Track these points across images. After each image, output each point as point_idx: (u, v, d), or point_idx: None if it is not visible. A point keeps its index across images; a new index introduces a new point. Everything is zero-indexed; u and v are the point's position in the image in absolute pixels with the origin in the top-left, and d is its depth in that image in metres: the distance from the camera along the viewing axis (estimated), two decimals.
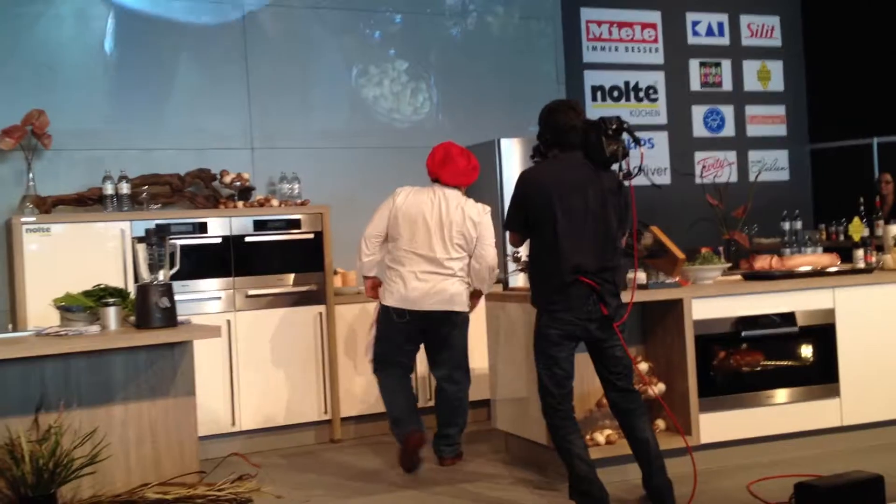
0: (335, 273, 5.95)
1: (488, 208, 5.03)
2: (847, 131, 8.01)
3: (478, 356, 5.43)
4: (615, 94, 7.91)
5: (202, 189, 5.90)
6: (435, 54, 6.86)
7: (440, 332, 4.93)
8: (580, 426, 4.02)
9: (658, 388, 4.61)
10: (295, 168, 6.09)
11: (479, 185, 6.55)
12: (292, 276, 5.71)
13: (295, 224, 5.76)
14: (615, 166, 3.87)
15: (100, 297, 4.14)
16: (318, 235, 5.79)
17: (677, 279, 4.68)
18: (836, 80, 8.43)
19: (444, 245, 4.84)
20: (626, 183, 3.83)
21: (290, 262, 5.72)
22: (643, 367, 4.64)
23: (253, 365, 5.54)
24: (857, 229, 6.02)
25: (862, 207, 6.08)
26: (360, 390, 5.82)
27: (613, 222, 3.87)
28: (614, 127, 3.78)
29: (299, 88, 6.44)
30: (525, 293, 4.94)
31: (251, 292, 5.59)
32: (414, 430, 4.84)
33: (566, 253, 3.77)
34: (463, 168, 4.96)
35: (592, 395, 4.63)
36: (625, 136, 3.83)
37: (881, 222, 6.42)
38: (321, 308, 5.73)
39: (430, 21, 6.85)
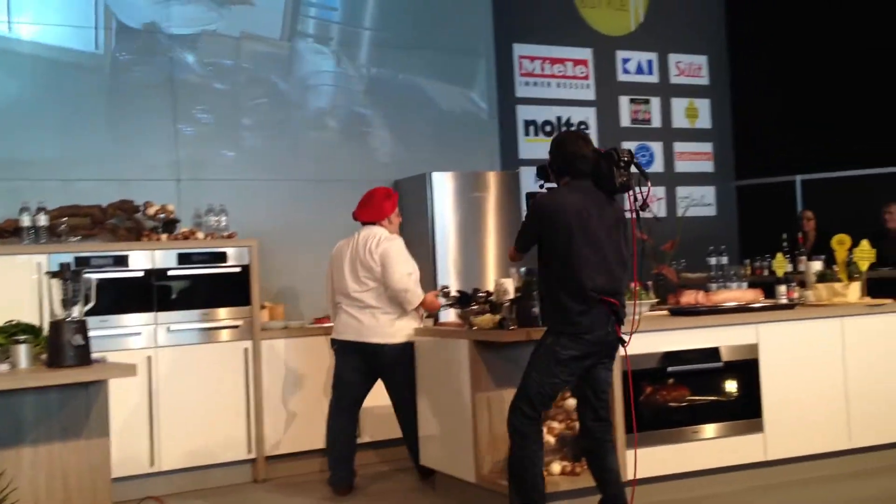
0: (262, 307, 5.84)
1: (393, 237, 5.21)
2: (771, 169, 8.21)
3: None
4: (547, 128, 7.98)
5: (125, 221, 5.75)
6: (367, 88, 6.83)
7: (377, 367, 5.16)
8: None
9: None
10: (222, 200, 5.98)
11: (410, 218, 6.56)
12: (218, 310, 5.58)
13: (221, 257, 5.64)
14: (624, 195, 4.05)
15: (11, 333, 3.97)
16: (246, 269, 5.67)
17: None
18: (760, 118, 8.66)
19: (354, 279, 5.15)
20: (641, 213, 4.01)
21: (215, 296, 5.59)
22: (571, 403, 4.62)
23: (175, 402, 5.38)
24: (781, 265, 6.15)
25: (785, 244, 6.20)
26: (287, 428, 5.69)
27: (624, 248, 4.03)
28: (626, 159, 3.95)
29: (227, 119, 6.34)
30: (455, 328, 4.92)
31: (174, 327, 5.44)
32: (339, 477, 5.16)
33: (589, 275, 3.89)
34: (371, 202, 5.29)
35: None
36: (633, 168, 3.99)
37: (804, 258, 6.57)
38: (247, 343, 5.60)
39: (363, 53, 6.82)
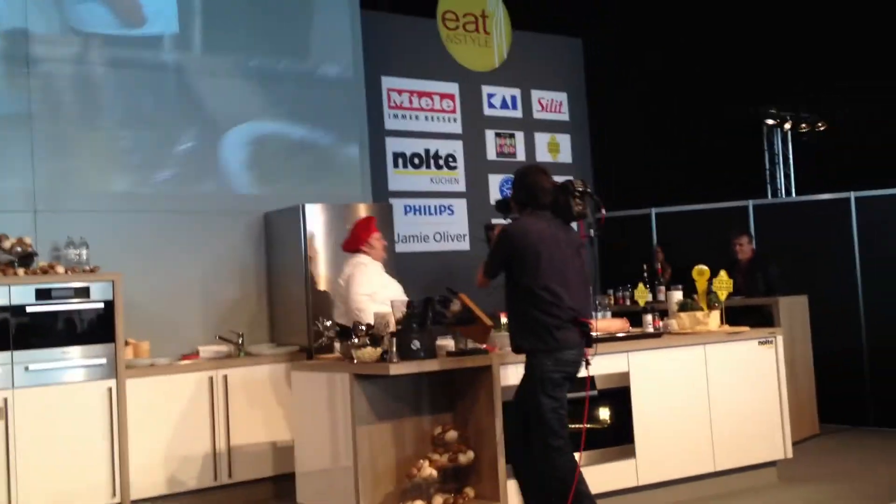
0: (127, 344, 5.59)
1: (356, 261, 5.56)
2: (629, 202, 8.57)
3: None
4: (416, 161, 8.05)
5: None
6: (237, 118, 6.70)
7: None
8: (394, 497, 3.98)
9: (467, 456, 4.63)
10: (83, 233, 5.70)
11: (283, 250, 6.47)
12: (80, 348, 5.30)
13: (83, 292, 5.37)
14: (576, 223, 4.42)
15: None
16: (109, 304, 5.42)
17: (486, 346, 4.76)
18: (618, 153, 9.05)
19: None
20: (592, 234, 4.50)
21: (77, 333, 5.32)
22: (452, 435, 4.66)
23: (35, 446, 5.06)
24: (642, 295, 6.43)
25: (645, 274, 6.49)
26: (155, 470, 5.46)
27: (586, 272, 4.33)
28: (580, 190, 4.29)
29: (88, 149, 6.07)
30: (332, 362, 4.86)
31: (33, 367, 5.13)
32: None
33: (561, 299, 4.17)
34: (350, 232, 5.77)
35: (403, 466, 4.58)
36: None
37: (663, 288, 6.89)
38: (111, 382, 5.35)
39: (231, 84, 6.69)
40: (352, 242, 5.71)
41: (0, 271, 5.25)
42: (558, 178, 8.54)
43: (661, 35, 9.30)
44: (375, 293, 5.39)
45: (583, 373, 4.29)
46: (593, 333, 4.32)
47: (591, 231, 4.51)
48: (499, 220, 4.85)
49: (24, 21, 5.89)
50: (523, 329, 4.27)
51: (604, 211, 4.30)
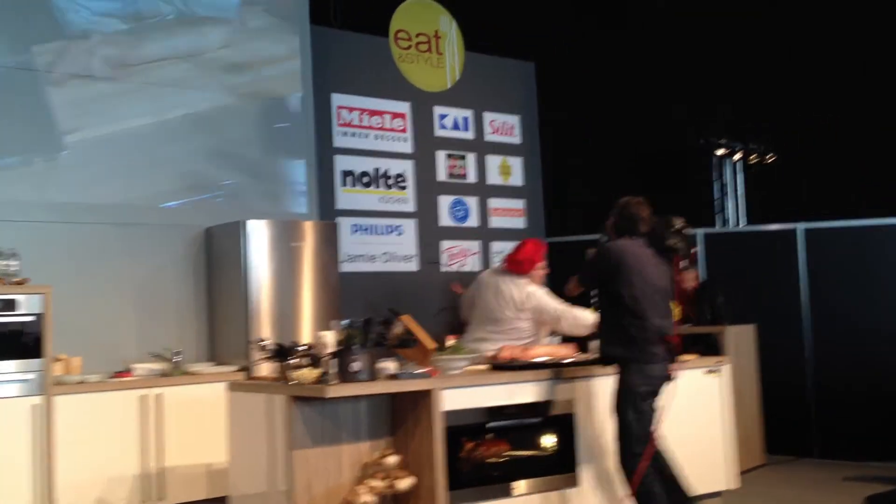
0: (57, 360, 5.37)
1: (524, 282, 5.79)
2: (580, 226, 8.54)
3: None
4: (365, 179, 7.93)
5: None
6: (179, 129, 6.53)
7: None
8: None
9: (406, 482, 4.49)
10: (12, 243, 5.47)
11: (223, 267, 6.31)
12: (5, 363, 5.08)
13: (10, 305, 5.15)
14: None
15: None
16: (38, 318, 5.21)
17: (427, 369, 4.64)
18: (569, 178, 9.03)
19: None
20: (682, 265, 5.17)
21: (3, 347, 5.09)
22: (392, 460, 4.52)
23: None
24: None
25: (594, 300, 6.41)
26: (84, 490, 5.23)
27: (670, 297, 4.82)
28: (677, 227, 4.84)
29: (20, 155, 5.85)
30: (269, 383, 4.71)
31: None
32: None
33: (651, 318, 4.63)
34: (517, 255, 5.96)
35: (340, 491, 4.44)
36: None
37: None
38: (38, 399, 5.12)
39: (174, 95, 6.53)
40: (523, 265, 5.80)
41: None
42: (515, 202, 8.62)
43: (614, 61, 9.34)
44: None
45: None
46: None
47: (683, 264, 5.13)
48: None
49: None
50: (614, 339, 4.71)
51: (694, 249, 4.91)
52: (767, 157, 9.39)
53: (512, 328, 5.63)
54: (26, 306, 5.18)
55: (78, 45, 6.17)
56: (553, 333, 5.93)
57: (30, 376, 5.14)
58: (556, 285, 8.27)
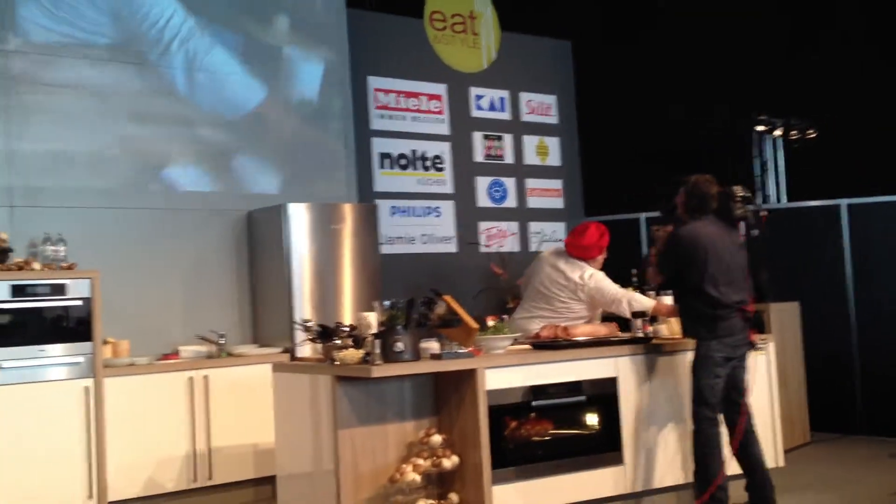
0: (105, 343, 5.47)
1: (584, 265, 5.68)
2: (618, 206, 8.49)
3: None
4: (402, 161, 7.95)
5: None
6: (220, 116, 6.58)
7: None
8: (376, 502, 3.88)
9: (451, 460, 4.52)
10: (60, 229, 5.58)
11: (266, 250, 6.37)
12: (56, 346, 5.18)
13: (60, 289, 5.25)
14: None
15: None
16: (87, 302, 5.31)
17: (471, 349, 4.66)
18: (607, 157, 8.96)
19: None
20: (754, 233, 5.20)
21: (53, 331, 5.21)
22: (436, 439, 4.55)
23: (7, 446, 4.94)
24: None
25: (635, 279, 6.38)
26: (134, 471, 5.34)
27: (745, 267, 4.96)
28: (741, 195, 5.00)
29: (67, 142, 5.94)
30: (313, 364, 4.75)
31: (7, 365, 5.01)
32: None
33: (728, 294, 4.82)
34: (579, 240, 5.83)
35: (385, 470, 4.48)
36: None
37: (653, 293, 6.79)
38: (88, 381, 5.23)
39: (216, 81, 6.58)
40: (581, 251, 5.69)
41: None
42: (553, 182, 8.55)
43: (651, 38, 9.23)
44: None
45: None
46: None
47: (753, 231, 5.14)
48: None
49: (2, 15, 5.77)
50: (693, 320, 4.90)
51: (764, 212, 5.20)
52: (808, 132, 9.24)
53: (564, 308, 5.62)
54: (75, 291, 5.28)
55: (140, 30, 6.24)
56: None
57: (79, 359, 5.24)
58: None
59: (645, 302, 5.47)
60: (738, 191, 5.01)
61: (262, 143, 6.75)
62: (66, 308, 5.27)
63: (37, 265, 5.29)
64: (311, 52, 7.09)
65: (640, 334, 5.31)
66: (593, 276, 5.60)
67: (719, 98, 8.95)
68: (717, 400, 4.81)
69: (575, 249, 5.72)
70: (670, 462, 5.12)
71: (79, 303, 5.29)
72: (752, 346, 4.94)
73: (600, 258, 5.79)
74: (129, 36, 6.28)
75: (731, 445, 4.88)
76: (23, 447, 4.98)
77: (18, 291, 5.11)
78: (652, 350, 5.16)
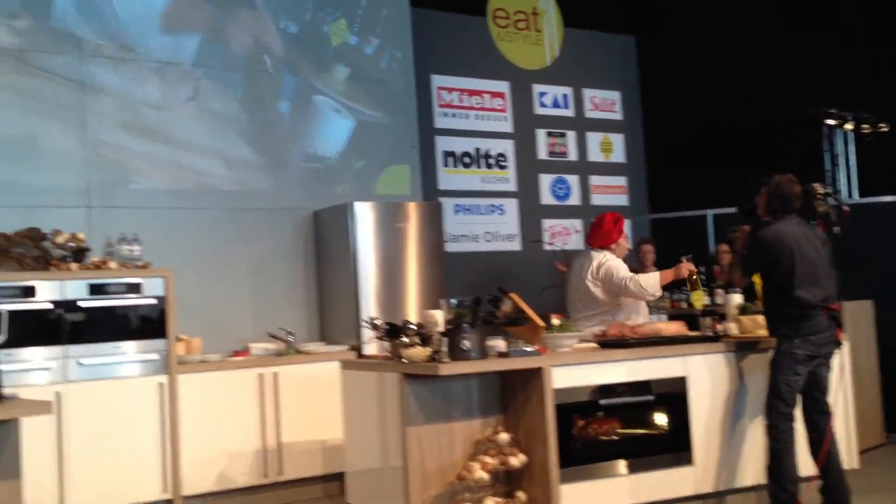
0: (178, 340, 5.59)
1: (602, 254, 5.75)
2: (684, 203, 8.39)
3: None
4: (466, 160, 7.98)
5: (31, 250, 5.42)
6: (286, 115, 6.68)
7: None
8: (444, 499, 3.90)
9: (519, 458, 4.53)
10: (135, 228, 5.73)
11: (332, 248, 6.44)
12: (132, 343, 5.32)
13: (135, 288, 5.39)
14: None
15: None
16: (161, 300, 5.44)
17: (537, 347, 4.65)
18: (673, 153, 8.86)
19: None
20: (836, 230, 5.05)
21: (129, 328, 5.35)
22: (503, 437, 4.56)
23: (86, 440, 5.09)
24: (699, 298, 6.26)
25: (702, 276, 6.31)
26: (206, 466, 5.45)
27: (829, 265, 4.89)
28: (822, 192, 5.00)
29: (141, 144, 6.09)
30: (381, 361, 4.80)
31: (85, 361, 5.15)
32: None
33: (814, 294, 4.76)
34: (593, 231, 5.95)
35: (453, 468, 4.50)
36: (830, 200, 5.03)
37: (721, 291, 6.71)
38: (163, 378, 5.36)
39: (283, 81, 6.68)
40: (603, 238, 5.79)
41: (53, 266, 5.29)
42: (617, 179, 8.45)
43: (717, 31, 9.09)
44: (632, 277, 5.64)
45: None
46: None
47: (836, 227, 5.03)
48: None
49: (77, 19, 5.92)
50: (778, 320, 4.84)
51: (846, 207, 5.04)
52: (880, 126, 9.00)
53: (590, 299, 5.70)
54: (149, 289, 5.41)
55: (193, 36, 6.38)
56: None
57: (154, 356, 5.37)
58: (662, 262, 8.20)
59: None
60: (819, 188, 4.98)
61: (328, 142, 6.82)
62: (141, 306, 5.40)
63: (113, 264, 5.44)
64: (377, 51, 7.14)
65: (710, 333, 5.25)
66: (604, 263, 5.66)
67: (788, 92, 8.77)
68: (794, 397, 4.76)
69: (596, 240, 5.82)
70: (743, 462, 5.05)
71: (153, 301, 5.42)
72: (838, 344, 4.87)
73: (623, 242, 5.86)
74: (199, 43, 6.41)
75: (817, 449, 4.81)
76: (100, 442, 5.12)
77: (96, 290, 5.26)
78: (722, 349, 5.09)
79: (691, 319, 5.80)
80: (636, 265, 7.84)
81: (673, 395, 4.91)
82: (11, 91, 5.69)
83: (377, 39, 7.16)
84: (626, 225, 8.51)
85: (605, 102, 8.79)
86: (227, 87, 6.48)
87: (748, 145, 8.56)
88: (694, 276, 5.67)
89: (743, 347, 5.13)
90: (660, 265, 8.08)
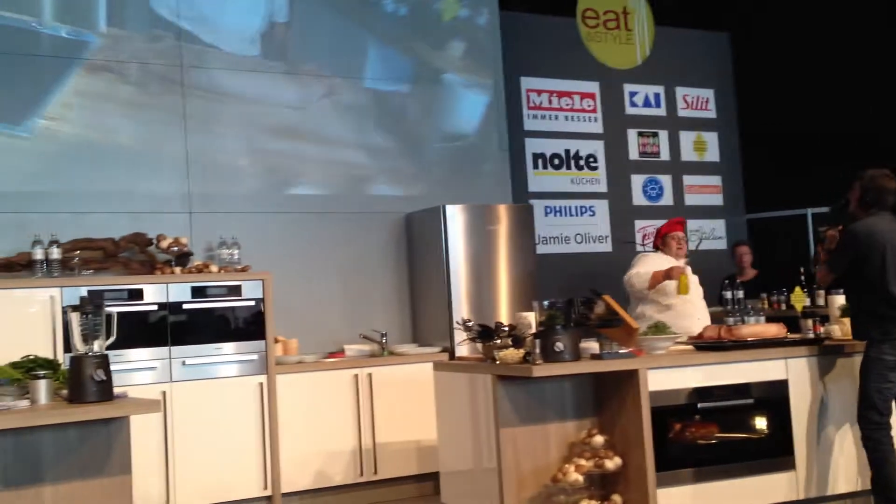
0: (276, 341, 5.73)
1: (643, 253, 6.20)
2: (782, 202, 8.18)
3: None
4: (556, 161, 7.95)
5: (137, 254, 5.65)
6: (379, 121, 6.78)
7: None
8: (539, 501, 3.91)
9: (614, 462, 4.49)
10: (234, 233, 5.90)
11: (424, 251, 6.50)
12: (232, 344, 5.48)
13: (235, 291, 5.55)
14: None
15: (29, 368, 3.86)
16: (259, 302, 5.59)
17: (632, 349, 4.61)
18: (769, 151, 8.64)
19: None
20: None
21: (229, 330, 5.51)
22: (599, 440, 4.53)
23: (190, 437, 5.26)
24: (800, 299, 6.10)
25: (802, 277, 6.14)
26: (304, 464, 5.57)
27: None
28: None
29: (240, 151, 6.27)
30: (474, 363, 4.82)
31: (189, 361, 5.34)
32: None
33: None
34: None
35: (547, 470, 4.49)
36: None
37: (822, 292, 6.50)
38: (262, 378, 5.50)
39: (376, 88, 6.78)
40: (656, 239, 6.12)
41: (158, 270, 5.49)
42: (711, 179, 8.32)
43: (816, 25, 8.82)
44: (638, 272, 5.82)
45: None
46: None
47: None
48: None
49: (179, 28, 6.13)
50: (864, 320, 4.69)
51: None
52: None
53: (636, 298, 5.91)
54: (249, 292, 5.56)
55: (278, 36, 6.53)
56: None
57: (253, 357, 5.52)
58: (760, 265, 8.04)
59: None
60: None
61: (419, 146, 6.89)
62: (240, 308, 5.56)
63: (214, 268, 5.61)
64: (465, 54, 7.18)
65: (811, 335, 5.11)
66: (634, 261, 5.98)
67: (887, 88, 8.46)
68: (888, 406, 4.60)
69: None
70: (847, 468, 4.90)
71: (252, 303, 5.57)
72: None
73: (671, 242, 5.97)
74: (297, 48, 6.55)
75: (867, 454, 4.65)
76: (203, 439, 5.29)
77: (198, 293, 5.44)
78: (825, 351, 4.95)
79: (792, 321, 5.65)
80: (733, 269, 7.68)
81: (774, 399, 4.79)
82: (117, 101, 5.92)
83: (465, 43, 7.19)
84: (721, 225, 8.47)
85: (698, 100, 8.64)
86: (327, 100, 6.60)
87: (847, 141, 8.29)
88: (684, 279, 5.62)
89: (846, 350, 4.97)
90: (758, 267, 7.93)
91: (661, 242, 6.03)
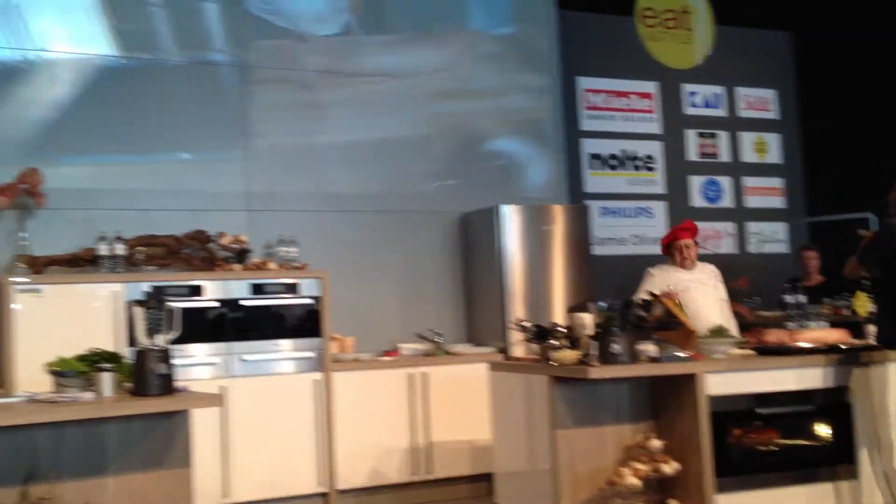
0: (333, 339, 5.78)
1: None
2: (845, 204, 8.00)
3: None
4: (613, 162, 7.88)
5: (198, 251, 5.74)
6: (435, 120, 6.80)
7: None
8: None
9: (672, 466, 4.44)
10: (293, 231, 5.96)
11: (479, 251, 6.49)
12: (289, 341, 5.54)
13: (293, 288, 5.61)
14: None
15: (94, 362, 3.94)
16: (317, 300, 5.64)
17: (690, 353, 4.55)
18: (832, 153, 8.46)
19: None
20: None
21: (287, 327, 5.57)
22: (656, 444, 4.48)
23: (248, 433, 5.33)
24: (863, 304, 5.96)
25: (867, 282, 5.99)
26: (359, 461, 5.61)
27: None
28: None
29: (298, 150, 6.34)
30: (529, 364, 4.81)
31: (247, 358, 5.41)
32: None
33: None
34: None
35: (602, 473, 4.46)
36: None
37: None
38: (318, 375, 5.55)
39: (430, 87, 6.80)
40: (661, 249, 5.93)
41: (218, 266, 5.58)
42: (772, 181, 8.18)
43: (880, 24, 8.61)
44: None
45: None
46: None
47: None
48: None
49: (240, 28, 6.22)
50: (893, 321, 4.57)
51: None
52: None
53: None
54: (306, 289, 5.62)
55: (349, 47, 6.59)
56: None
57: (310, 354, 5.57)
58: (821, 270, 7.86)
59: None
60: None
61: (474, 146, 6.89)
62: (297, 306, 5.62)
63: (272, 265, 5.68)
64: (524, 54, 7.16)
65: (875, 342, 4.98)
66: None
67: None
68: None
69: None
70: None
71: (310, 301, 5.62)
72: None
73: (674, 253, 5.75)
74: (356, 53, 6.61)
75: None
76: (260, 435, 5.36)
77: (257, 290, 5.51)
78: (889, 359, 4.83)
79: (855, 327, 5.52)
80: (797, 272, 7.53)
81: (836, 406, 4.69)
82: (180, 103, 6.03)
83: (522, 43, 7.17)
84: (782, 228, 8.32)
85: (759, 101, 8.50)
86: (383, 99, 6.64)
87: None
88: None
89: None
90: (822, 270, 7.77)
91: (666, 252, 5.82)
